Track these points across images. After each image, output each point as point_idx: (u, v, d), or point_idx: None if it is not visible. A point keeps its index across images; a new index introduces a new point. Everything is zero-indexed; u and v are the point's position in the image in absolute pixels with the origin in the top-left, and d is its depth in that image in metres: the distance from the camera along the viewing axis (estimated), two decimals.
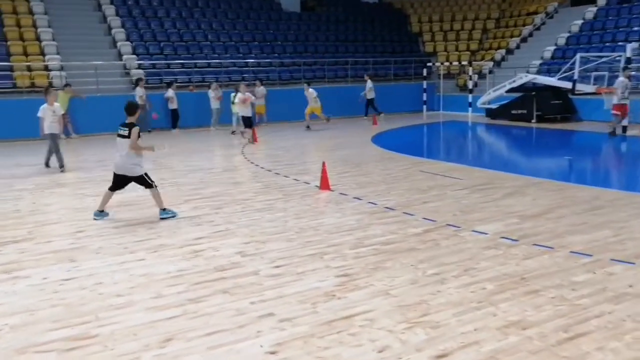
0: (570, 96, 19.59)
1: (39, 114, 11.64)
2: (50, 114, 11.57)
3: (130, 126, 7.59)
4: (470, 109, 23.01)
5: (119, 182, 7.83)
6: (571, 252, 5.97)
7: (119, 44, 21.57)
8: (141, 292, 5.18)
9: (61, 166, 11.72)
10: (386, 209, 8.04)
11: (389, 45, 27.58)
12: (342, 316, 4.52)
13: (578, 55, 18.52)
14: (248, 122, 15.70)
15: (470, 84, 23.50)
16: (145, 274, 5.66)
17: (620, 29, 21.92)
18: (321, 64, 24.11)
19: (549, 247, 6.13)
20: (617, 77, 16.09)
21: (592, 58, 19.00)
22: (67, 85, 18.01)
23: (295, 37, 25.46)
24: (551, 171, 11.39)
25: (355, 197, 8.75)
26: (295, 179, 10.33)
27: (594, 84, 18.32)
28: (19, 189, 10.10)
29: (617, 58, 18.22)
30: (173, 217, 7.76)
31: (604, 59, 18.70)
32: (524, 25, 26.94)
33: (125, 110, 7.72)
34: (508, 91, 21.16)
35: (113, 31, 22.07)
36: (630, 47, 15.55)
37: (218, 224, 7.43)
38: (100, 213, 7.88)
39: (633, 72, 14.17)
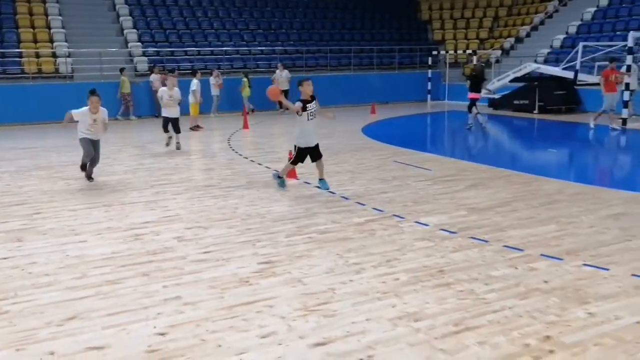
0: (576, 87, 19.27)
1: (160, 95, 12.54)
2: (167, 98, 12.31)
3: None
4: None
5: None
6: (504, 246, 5.95)
7: (125, 31, 21.84)
8: (68, 272, 5.32)
9: (178, 148, 12.47)
10: (342, 198, 8.08)
11: (397, 33, 27.36)
12: (244, 302, 4.60)
13: (580, 45, 18.17)
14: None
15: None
16: (79, 255, 5.80)
17: (634, 17, 21.40)
18: (324, 52, 24.03)
19: (484, 241, 6.11)
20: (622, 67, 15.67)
21: (597, 47, 18.58)
22: (123, 69, 18.58)
23: (301, 25, 25.41)
24: (526, 163, 11.27)
25: (316, 186, 8.79)
26: (267, 167, 10.41)
27: (598, 75, 17.94)
28: (1, 171, 10.37)
29: (623, 48, 17.79)
30: None
31: (609, 49, 18.26)
32: (536, 13, 26.46)
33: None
34: (512, 81, 20.88)
35: (121, 19, 22.34)
36: (632, 35, 15.13)
37: (170, 209, 7.56)
38: None
39: None
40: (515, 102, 20.31)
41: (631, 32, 15.48)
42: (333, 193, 8.34)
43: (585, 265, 5.34)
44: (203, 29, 23.28)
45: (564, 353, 3.76)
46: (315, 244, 6.03)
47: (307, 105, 8.09)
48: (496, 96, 21.32)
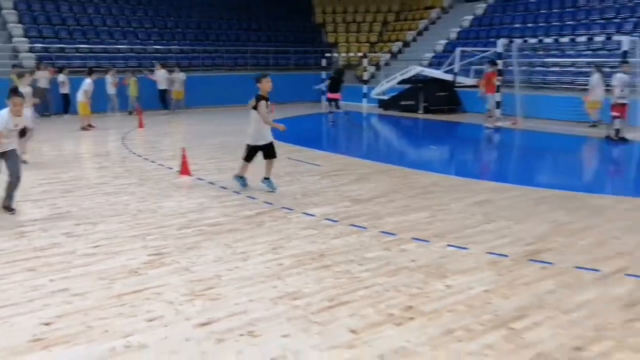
0: (455, 88, 20.66)
1: None
2: None
3: None
4: (365, 99, 23.73)
5: None
6: (380, 231, 6.50)
7: (9, 25, 20.73)
8: None
9: None
10: (234, 192, 8.36)
11: (292, 35, 27.89)
12: (132, 290, 4.78)
13: (458, 50, 19.55)
14: None
15: (365, 75, 24.21)
16: None
17: (505, 26, 23.23)
18: (221, 52, 24.08)
19: (363, 227, 6.63)
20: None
21: (472, 52, 20.06)
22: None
23: (197, 25, 25.28)
24: (407, 159, 12.10)
25: (209, 182, 9.01)
26: (160, 164, 10.47)
27: (475, 77, 19.40)
28: None
29: (490, 53, 19.29)
30: None
31: (482, 54, 19.76)
32: (421, 19, 27.95)
33: None
34: (400, 83, 21.99)
35: (3, 12, 21.15)
36: (500, 42, 16.56)
37: (60, 207, 7.50)
38: None
39: (629, 68, 13.49)
40: (402, 102, 21.40)
41: (500, 39, 16.90)
42: (225, 188, 8.60)
43: (449, 245, 5.99)
44: (95, 25, 22.57)
45: (421, 319, 4.29)
46: (205, 236, 6.28)
47: (267, 103, 8.16)
48: (385, 97, 22.37)
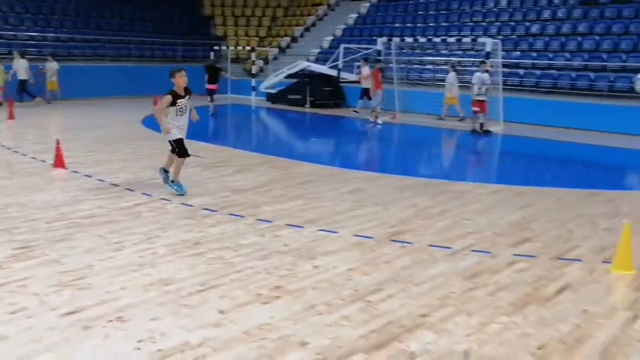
0: (340, 84, 21.34)
1: None
2: None
3: None
4: (253, 93, 23.86)
5: None
6: (257, 219, 6.73)
7: None
8: None
9: None
10: (111, 185, 8.24)
11: (179, 27, 27.39)
12: None
13: (342, 47, 20.23)
14: None
15: (254, 69, 24.34)
16: None
17: (387, 24, 24.27)
18: (103, 42, 23.19)
19: (240, 216, 6.83)
20: (372, 67, 17.81)
21: (355, 49, 20.82)
22: None
23: (75, 12, 24.13)
24: (290, 151, 12.45)
25: (86, 175, 8.80)
26: (32, 157, 10.04)
27: (356, 73, 20.15)
28: None
29: (371, 50, 20.17)
30: None
31: (365, 51, 20.58)
32: (309, 15, 28.53)
33: None
34: (287, 77, 22.34)
35: None
36: (380, 40, 17.36)
37: None
38: None
39: (491, 67, 14.79)
40: (290, 97, 21.79)
41: (379, 38, 17.74)
42: (102, 181, 8.45)
43: (320, 230, 6.34)
44: None
45: (287, 297, 4.58)
46: (77, 228, 6.19)
47: (178, 100, 7.56)
48: (273, 91, 22.65)
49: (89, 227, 6.26)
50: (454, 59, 18.80)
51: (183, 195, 7.64)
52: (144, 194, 7.79)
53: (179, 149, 7.67)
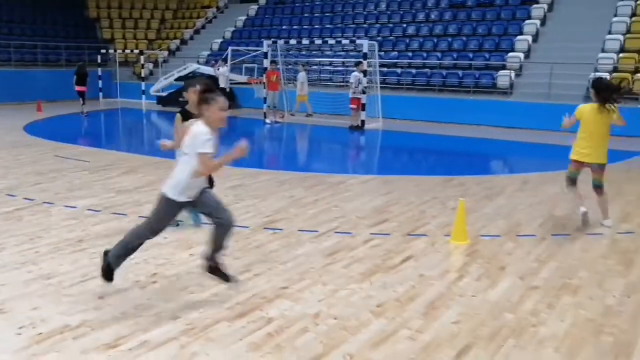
0: (231, 85, 21.71)
1: None
2: None
3: None
4: (144, 96, 23.68)
5: None
6: (140, 216, 7.05)
7: None
8: None
9: None
10: None
11: (63, 29, 26.58)
12: None
13: (230, 49, 20.65)
14: None
15: (143, 72, 24.15)
16: None
17: (274, 27, 24.94)
18: None
19: (124, 214, 7.15)
20: (263, 69, 18.38)
21: (243, 51, 21.30)
22: None
23: None
24: (172, 152, 12.74)
25: None
26: None
27: (246, 75, 20.66)
28: None
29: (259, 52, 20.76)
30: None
31: (253, 53, 21.13)
32: (198, 17, 28.65)
33: None
34: (177, 80, 22.40)
35: None
36: (266, 42, 17.97)
37: None
38: None
39: (369, 68, 15.94)
40: (181, 99, 21.68)
41: (265, 40, 18.38)
42: None
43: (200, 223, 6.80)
44: None
45: (163, 281, 5.04)
46: None
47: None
48: (164, 94, 22.63)
49: None
50: (338, 59, 19.81)
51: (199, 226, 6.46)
52: (25, 198, 7.87)
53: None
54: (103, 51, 25.03)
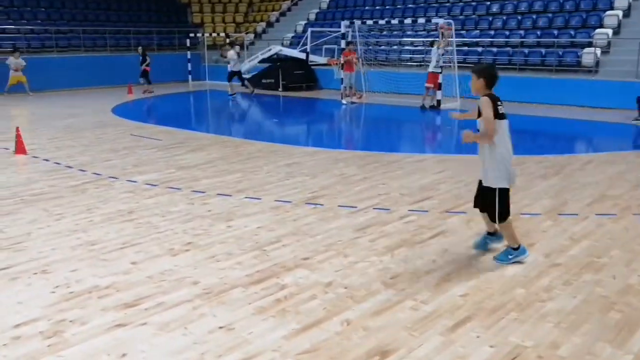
0: (312, 67, 21.92)
1: None
2: None
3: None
4: None
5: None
6: (192, 190, 7.41)
7: None
8: None
9: None
10: (66, 167, 8.90)
11: (155, 15, 27.87)
12: None
13: (309, 30, 20.78)
14: None
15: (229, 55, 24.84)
16: None
17: (357, 7, 24.77)
18: (77, 32, 23.70)
19: (178, 189, 7.51)
20: (340, 50, 18.36)
21: (323, 32, 21.38)
22: None
23: (49, 3, 24.58)
24: (247, 131, 13.11)
25: (45, 159, 9.45)
26: None
27: (326, 56, 20.76)
28: None
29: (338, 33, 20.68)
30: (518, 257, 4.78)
31: (334, 34, 21.12)
32: (284, 0, 29.00)
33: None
34: (261, 62, 22.91)
35: None
36: (343, 24, 17.94)
37: None
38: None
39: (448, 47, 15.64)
40: (264, 81, 22.37)
41: (342, 21, 18.32)
42: (59, 164, 9.10)
43: (246, 197, 7.02)
44: None
45: (195, 250, 5.27)
46: (25, 204, 6.86)
47: (499, 107, 4.60)
48: (248, 76, 23.21)
49: (37, 202, 6.93)
50: (418, 39, 19.42)
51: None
52: (94, 173, 8.45)
53: (501, 209, 4.67)
54: (192, 35, 26.03)
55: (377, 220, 5.99)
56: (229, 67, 19.41)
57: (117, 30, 24.97)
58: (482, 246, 5.05)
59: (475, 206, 5.00)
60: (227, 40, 22.93)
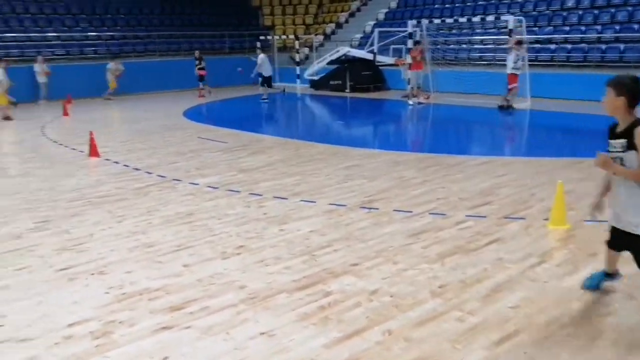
0: (379, 67, 21.74)
1: None
2: None
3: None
4: (298, 80, 24.60)
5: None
6: (250, 193, 7.49)
7: None
8: None
9: None
10: (134, 169, 9.23)
11: (226, 18, 28.52)
12: (9, 249, 5.64)
13: (376, 31, 20.62)
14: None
15: (297, 57, 25.09)
16: None
17: (427, 6, 24.37)
18: (153, 38, 24.61)
19: (237, 191, 7.61)
20: (407, 49, 18.10)
21: (390, 32, 21.17)
22: None
23: (128, 10, 25.67)
24: (310, 133, 13.14)
25: (115, 162, 9.85)
26: (73, 149, 11.22)
27: (394, 57, 20.53)
28: None
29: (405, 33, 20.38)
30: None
31: (401, 34, 20.85)
32: (353, 0, 28.96)
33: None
34: (329, 63, 22.97)
35: None
36: (410, 23, 17.70)
37: None
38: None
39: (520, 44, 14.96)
40: (332, 82, 22.42)
41: (409, 21, 18.05)
42: (127, 166, 9.46)
43: (302, 200, 7.02)
44: (18, 13, 22.71)
45: (245, 254, 5.31)
46: (92, 206, 7.15)
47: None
48: (316, 77, 23.36)
49: (102, 204, 7.22)
50: (488, 37, 18.84)
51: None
52: (159, 176, 8.71)
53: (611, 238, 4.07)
54: (262, 38, 26.44)
55: (432, 226, 5.83)
56: (262, 72, 19.46)
57: (191, 35, 25.73)
58: (596, 287, 4.22)
59: (611, 247, 4.09)
60: (258, 44, 23.19)
